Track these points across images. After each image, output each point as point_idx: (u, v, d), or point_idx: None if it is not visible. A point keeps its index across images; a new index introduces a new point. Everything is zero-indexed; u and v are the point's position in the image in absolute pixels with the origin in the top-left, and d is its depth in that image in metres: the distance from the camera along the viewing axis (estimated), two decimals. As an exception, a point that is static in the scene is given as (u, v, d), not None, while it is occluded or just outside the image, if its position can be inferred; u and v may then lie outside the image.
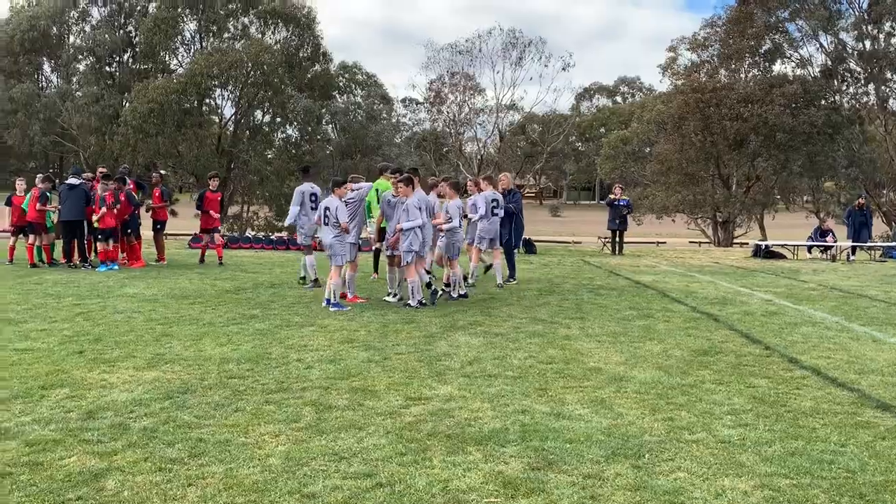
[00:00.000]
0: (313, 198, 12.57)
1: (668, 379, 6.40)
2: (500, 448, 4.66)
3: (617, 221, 20.68)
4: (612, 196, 21.11)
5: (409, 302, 10.02)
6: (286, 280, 13.04)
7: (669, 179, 37.44)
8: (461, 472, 4.29)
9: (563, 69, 41.01)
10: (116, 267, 14.24)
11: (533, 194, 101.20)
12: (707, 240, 42.00)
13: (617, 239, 20.95)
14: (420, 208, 10.08)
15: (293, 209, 12.63)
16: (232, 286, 12.07)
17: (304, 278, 12.49)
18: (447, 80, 42.23)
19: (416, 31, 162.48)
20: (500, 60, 41.15)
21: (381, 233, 11.59)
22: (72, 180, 14.64)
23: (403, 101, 54.84)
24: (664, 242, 43.99)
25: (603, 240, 23.57)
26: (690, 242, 43.52)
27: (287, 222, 13.12)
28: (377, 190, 11.75)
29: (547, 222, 71.97)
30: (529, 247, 20.73)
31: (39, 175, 15.66)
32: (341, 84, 47.89)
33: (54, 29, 36.29)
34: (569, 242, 38.73)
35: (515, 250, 13.86)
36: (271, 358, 7.01)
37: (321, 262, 12.07)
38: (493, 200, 12.06)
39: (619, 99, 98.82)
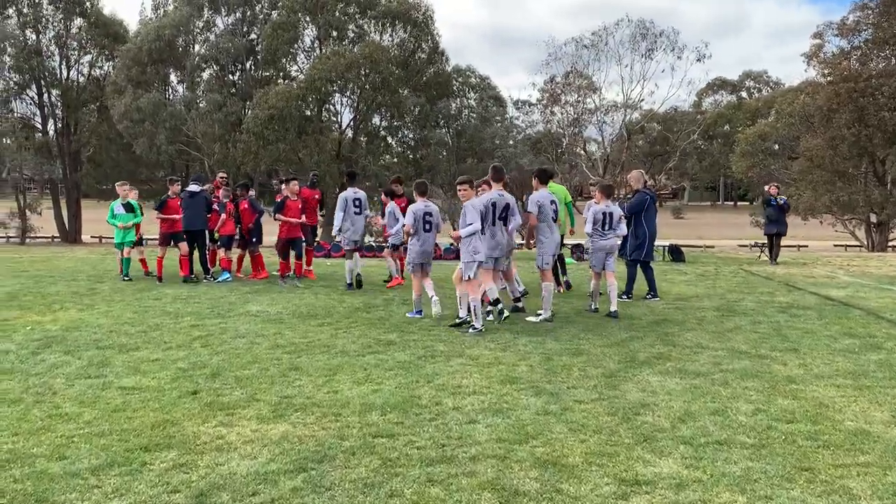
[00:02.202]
0: (357, 203, 12.58)
1: (978, 453, 4.55)
2: (802, 590, 3.03)
3: (775, 224, 18.31)
4: (766, 195, 18.76)
5: (475, 324, 8.42)
6: (418, 295, 11.70)
7: (815, 177, 34.13)
8: None
9: (698, 60, 38.02)
10: (230, 276, 13.50)
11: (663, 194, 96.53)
12: (857, 243, 38.27)
13: (772, 243, 18.59)
14: (481, 211, 8.68)
15: (338, 215, 12.40)
16: (362, 303, 10.81)
17: (353, 280, 12.28)
18: (560, 80, 40.23)
19: (523, 34, 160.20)
20: (629, 53, 38.72)
21: None
22: (192, 187, 13.84)
23: (516, 102, 52.99)
24: (805, 246, 40.44)
25: (760, 245, 21.10)
26: (835, 246, 39.82)
27: (334, 231, 12.52)
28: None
29: (670, 225, 68.62)
30: (676, 254, 18.72)
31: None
32: (455, 87, 46.79)
33: (180, 39, 36.76)
34: (700, 247, 36.10)
35: (644, 261, 11.21)
36: (421, 405, 5.59)
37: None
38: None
39: (743, 94, 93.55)
